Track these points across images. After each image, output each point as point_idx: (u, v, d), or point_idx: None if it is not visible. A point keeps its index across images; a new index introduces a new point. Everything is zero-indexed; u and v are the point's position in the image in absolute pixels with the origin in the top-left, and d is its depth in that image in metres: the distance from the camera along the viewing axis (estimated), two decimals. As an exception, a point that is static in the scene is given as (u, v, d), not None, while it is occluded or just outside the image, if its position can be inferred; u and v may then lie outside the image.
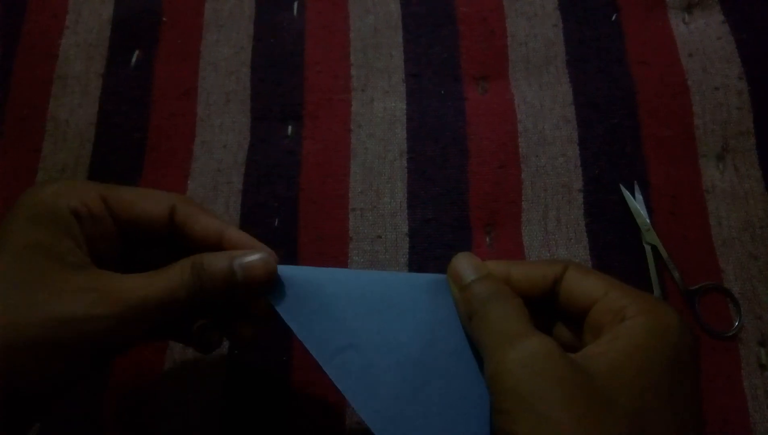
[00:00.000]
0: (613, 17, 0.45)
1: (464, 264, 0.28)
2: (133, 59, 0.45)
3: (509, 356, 0.23)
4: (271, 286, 0.28)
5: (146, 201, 0.28)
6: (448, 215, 0.40)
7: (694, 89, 0.42)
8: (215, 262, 0.27)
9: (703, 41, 0.44)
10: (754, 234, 0.39)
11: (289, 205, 0.41)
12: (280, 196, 0.41)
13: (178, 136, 0.42)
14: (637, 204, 0.40)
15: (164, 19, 0.46)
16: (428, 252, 0.39)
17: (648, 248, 0.39)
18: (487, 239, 0.40)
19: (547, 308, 0.29)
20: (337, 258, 0.39)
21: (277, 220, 0.40)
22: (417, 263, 0.39)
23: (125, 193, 0.28)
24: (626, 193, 0.40)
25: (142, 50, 0.45)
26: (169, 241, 0.29)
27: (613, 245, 0.39)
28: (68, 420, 0.36)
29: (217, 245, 0.28)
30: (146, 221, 0.28)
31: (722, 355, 0.37)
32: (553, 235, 0.39)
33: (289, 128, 0.43)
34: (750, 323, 0.37)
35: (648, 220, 0.39)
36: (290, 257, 0.39)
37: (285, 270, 0.28)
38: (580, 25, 0.44)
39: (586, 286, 0.27)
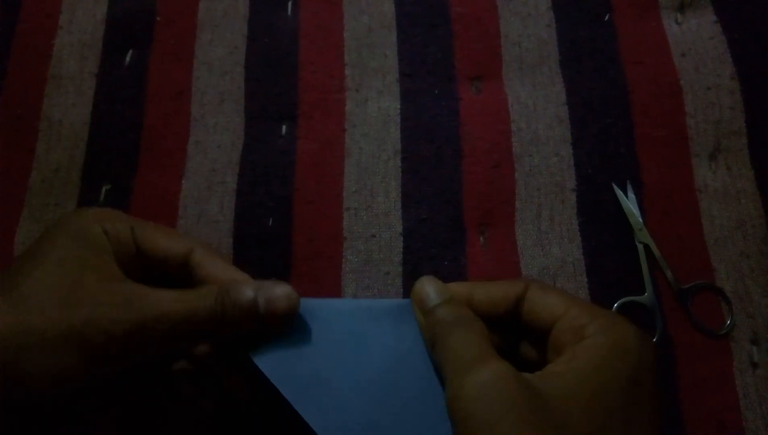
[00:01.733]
0: (606, 17, 0.45)
1: (428, 288, 0.29)
2: (127, 59, 0.45)
3: (466, 383, 0.24)
4: (291, 321, 0.29)
5: (168, 240, 0.30)
6: (442, 215, 0.40)
7: (686, 89, 0.43)
8: (240, 290, 0.28)
9: (696, 41, 0.44)
10: (746, 233, 0.39)
11: (284, 204, 0.41)
12: (274, 195, 0.41)
13: (172, 136, 0.42)
14: (629, 203, 0.40)
15: (158, 18, 0.46)
16: (422, 251, 0.39)
17: (641, 247, 0.39)
18: (481, 239, 0.40)
19: (512, 327, 0.29)
20: (332, 257, 0.39)
21: (271, 220, 0.40)
22: (411, 263, 0.39)
23: (151, 229, 0.30)
24: (619, 193, 0.40)
25: (136, 50, 0.45)
26: (184, 279, 0.30)
27: (606, 244, 0.39)
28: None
29: None
30: (164, 256, 0.30)
31: (714, 353, 0.37)
32: (546, 235, 0.40)
33: (284, 128, 0.43)
34: (742, 322, 0.38)
35: (641, 220, 0.39)
36: (284, 257, 0.39)
37: None
38: (573, 26, 0.45)
39: (548, 303, 0.27)
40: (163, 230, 0.31)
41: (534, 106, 0.43)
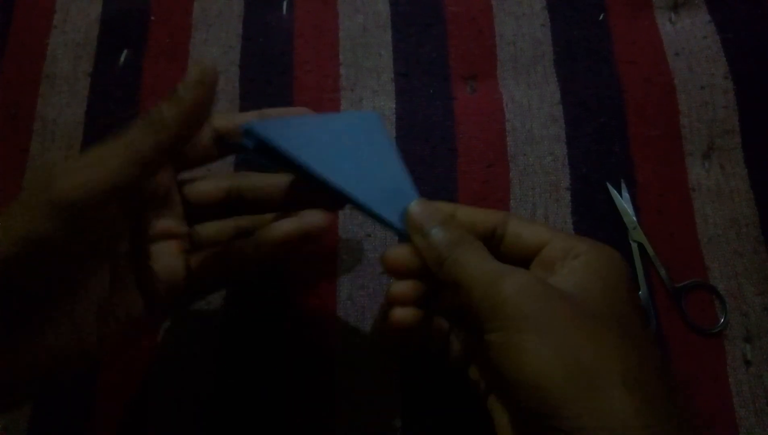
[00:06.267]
0: (601, 17, 0.45)
1: (423, 212, 0.30)
2: (122, 58, 0.45)
3: (505, 288, 0.26)
4: (211, 84, 0.28)
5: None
6: (437, 214, 0.40)
7: (680, 88, 0.43)
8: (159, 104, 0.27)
9: (690, 41, 0.44)
10: (739, 231, 0.39)
11: (279, 204, 0.41)
12: (269, 195, 0.41)
13: (167, 135, 0.42)
14: (623, 202, 0.40)
15: (153, 18, 0.46)
16: (417, 251, 0.39)
17: (635, 246, 0.39)
18: (476, 238, 0.40)
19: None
20: (326, 257, 0.39)
21: (266, 220, 0.40)
22: (406, 262, 0.39)
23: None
24: (613, 192, 0.40)
25: (131, 49, 0.45)
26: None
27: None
28: (59, 417, 0.36)
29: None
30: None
31: (708, 351, 0.37)
32: (541, 234, 0.40)
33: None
34: (735, 320, 0.38)
35: (634, 219, 0.40)
36: (279, 256, 0.39)
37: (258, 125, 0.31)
38: (567, 25, 0.45)
39: (534, 231, 0.30)
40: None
41: (529, 105, 0.43)
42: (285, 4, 0.46)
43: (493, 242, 0.31)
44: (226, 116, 0.32)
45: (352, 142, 0.32)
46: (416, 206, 0.30)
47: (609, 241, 0.39)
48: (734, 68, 0.43)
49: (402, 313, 0.30)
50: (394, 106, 0.43)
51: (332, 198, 0.31)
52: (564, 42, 0.44)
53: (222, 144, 0.32)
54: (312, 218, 0.34)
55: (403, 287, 0.31)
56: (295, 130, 0.31)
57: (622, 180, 0.41)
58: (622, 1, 0.45)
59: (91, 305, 0.27)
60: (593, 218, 0.40)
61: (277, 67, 0.44)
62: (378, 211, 0.30)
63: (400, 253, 0.31)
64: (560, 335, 0.24)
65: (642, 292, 0.38)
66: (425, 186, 0.41)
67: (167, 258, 0.31)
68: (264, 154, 0.30)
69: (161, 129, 0.27)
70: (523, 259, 0.30)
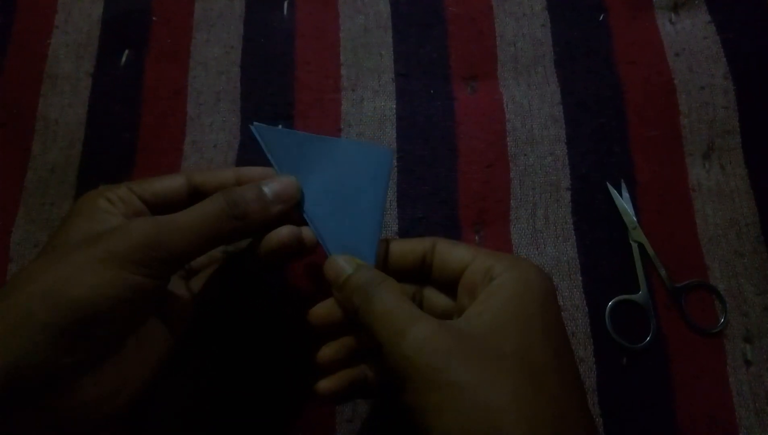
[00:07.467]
0: (601, 18, 0.45)
1: (335, 264, 0.30)
2: (123, 59, 0.45)
3: (404, 344, 0.26)
4: (297, 201, 0.32)
5: (163, 179, 0.33)
6: (437, 214, 0.40)
7: (680, 88, 0.43)
8: (245, 188, 0.30)
9: (690, 41, 0.44)
10: (739, 231, 0.40)
11: (280, 204, 0.41)
12: (270, 195, 0.41)
13: (168, 135, 0.43)
14: (624, 202, 0.40)
15: (154, 18, 0.46)
16: (418, 250, 0.39)
17: (635, 246, 0.39)
18: (476, 237, 0.40)
19: (418, 277, 0.33)
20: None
21: (267, 219, 0.40)
22: (406, 261, 0.39)
23: (145, 180, 0.33)
24: (613, 192, 0.40)
25: (132, 50, 0.45)
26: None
27: (601, 243, 0.39)
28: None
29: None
30: (166, 192, 0.32)
31: (708, 351, 0.37)
32: (541, 233, 0.40)
33: (280, 127, 0.43)
34: (735, 320, 0.38)
35: (635, 219, 0.40)
36: (280, 256, 0.39)
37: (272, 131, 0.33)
38: (568, 26, 0.45)
39: (456, 254, 0.31)
40: (156, 177, 0.33)
41: (529, 105, 0.43)
42: (286, 4, 0.46)
43: (425, 270, 0.32)
44: (203, 173, 0.33)
45: (344, 174, 0.33)
46: (332, 259, 0.31)
47: (609, 241, 0.39)
48: (734, 68, 0.43)
49: (325, 386, 0.30)
50: (395, 106, 0.43)
51: (298, 216, 0.32)
52: (564, 43, 0.44)
53: (197, 198, 0.33)
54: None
55: (328, 353, 0.31)
56: (291, 143, 0.33)
57: (622, 180, 0.41)
58: (623, 1, 0.45)
59: (128, 357, 0.28)
60: (593, 218, 0.40)
61: (278, 68, 0.44)
62: (324, 243, 0.32)
63: (323, 307, 0.31)
64: (465, 392, 0.24)
65: (642, 292, 0.38)
66: (425, 186, 0.41)
67: (174, 289, 0.32)
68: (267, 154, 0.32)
69: (243, 226, 0.29)
70: (451, 282, 0.31)
